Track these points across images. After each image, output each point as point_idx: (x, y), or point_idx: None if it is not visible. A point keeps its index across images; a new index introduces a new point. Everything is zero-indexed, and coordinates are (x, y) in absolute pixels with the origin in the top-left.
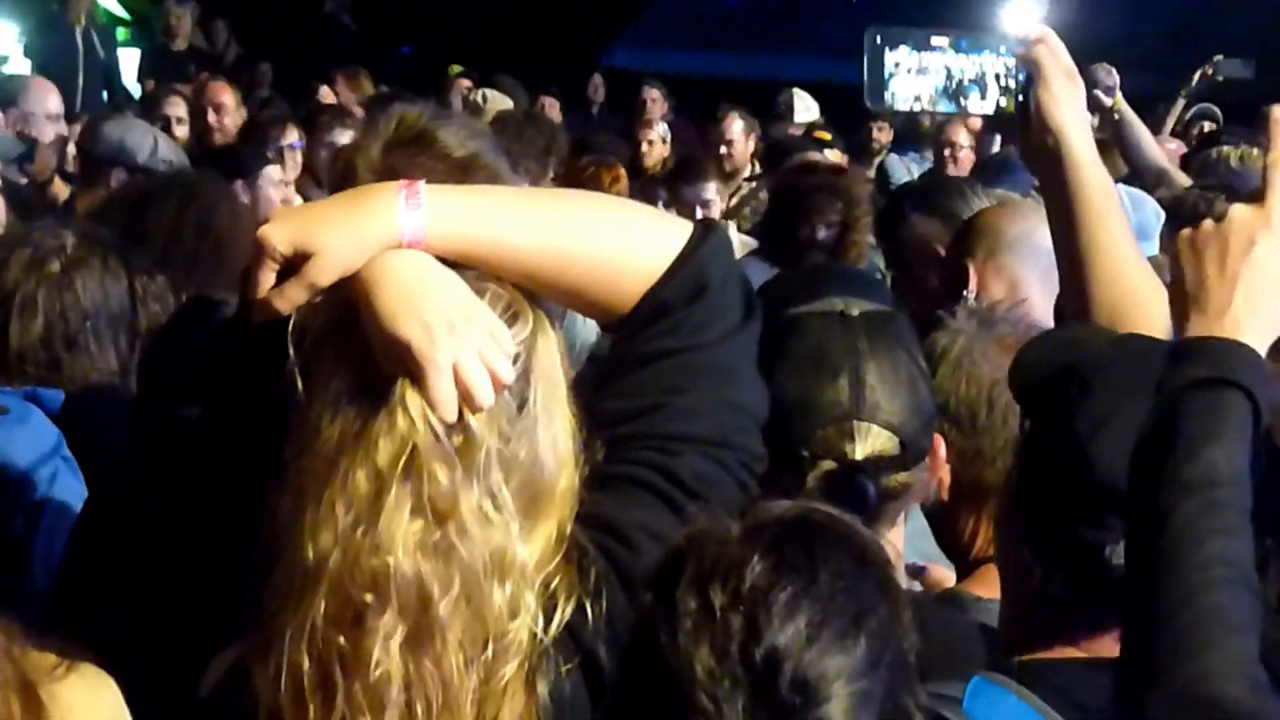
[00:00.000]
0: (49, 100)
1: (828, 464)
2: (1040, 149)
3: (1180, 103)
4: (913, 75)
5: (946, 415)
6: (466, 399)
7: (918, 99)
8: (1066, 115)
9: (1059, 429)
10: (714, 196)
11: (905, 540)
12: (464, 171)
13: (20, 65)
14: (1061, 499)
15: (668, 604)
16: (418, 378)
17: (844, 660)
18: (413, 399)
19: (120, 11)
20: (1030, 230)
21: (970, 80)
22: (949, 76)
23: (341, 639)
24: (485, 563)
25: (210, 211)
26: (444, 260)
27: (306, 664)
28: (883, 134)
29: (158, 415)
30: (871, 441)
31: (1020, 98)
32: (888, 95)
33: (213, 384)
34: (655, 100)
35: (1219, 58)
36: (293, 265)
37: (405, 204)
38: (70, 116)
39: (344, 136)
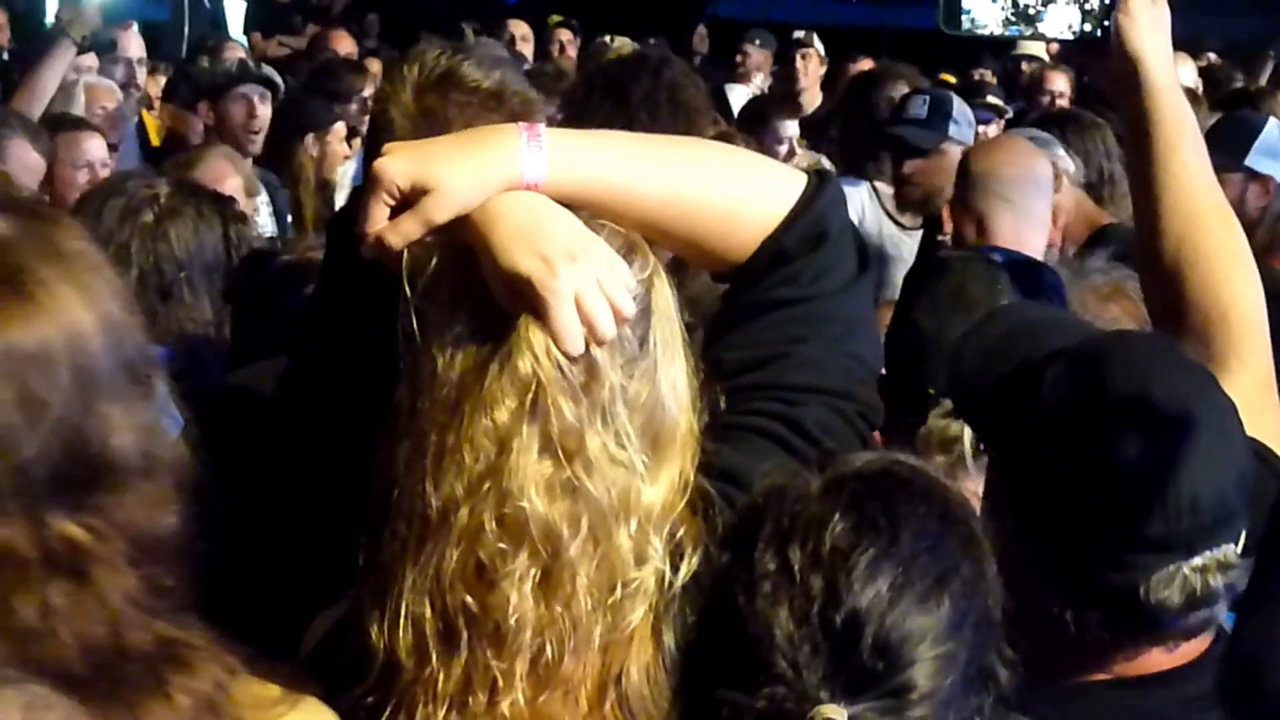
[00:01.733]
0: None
1: (949, 404)
2: (1118, 75)
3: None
4: None
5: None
6: (590, 330)
7: (994, 22)
8: (1146, 41)
9: (1031, 460)
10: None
11: None
12: (497, 99)
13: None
14: (1075, 545)
15: (745, 564)
16: (539, 311)
17: (927, 622)
18: (535, 334)
19: None
20: (996, 166)
21: (1055, 4)
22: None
23: (471, 587)
24: (612, 502)
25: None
26: (561, 203)
27: (429, 613)
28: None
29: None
30: None
31: (1103, 22)
32: (965, 19)
33: (308, 332)
34: (750, 54)
35: None
36: (408, 201)
37: (527, 144)
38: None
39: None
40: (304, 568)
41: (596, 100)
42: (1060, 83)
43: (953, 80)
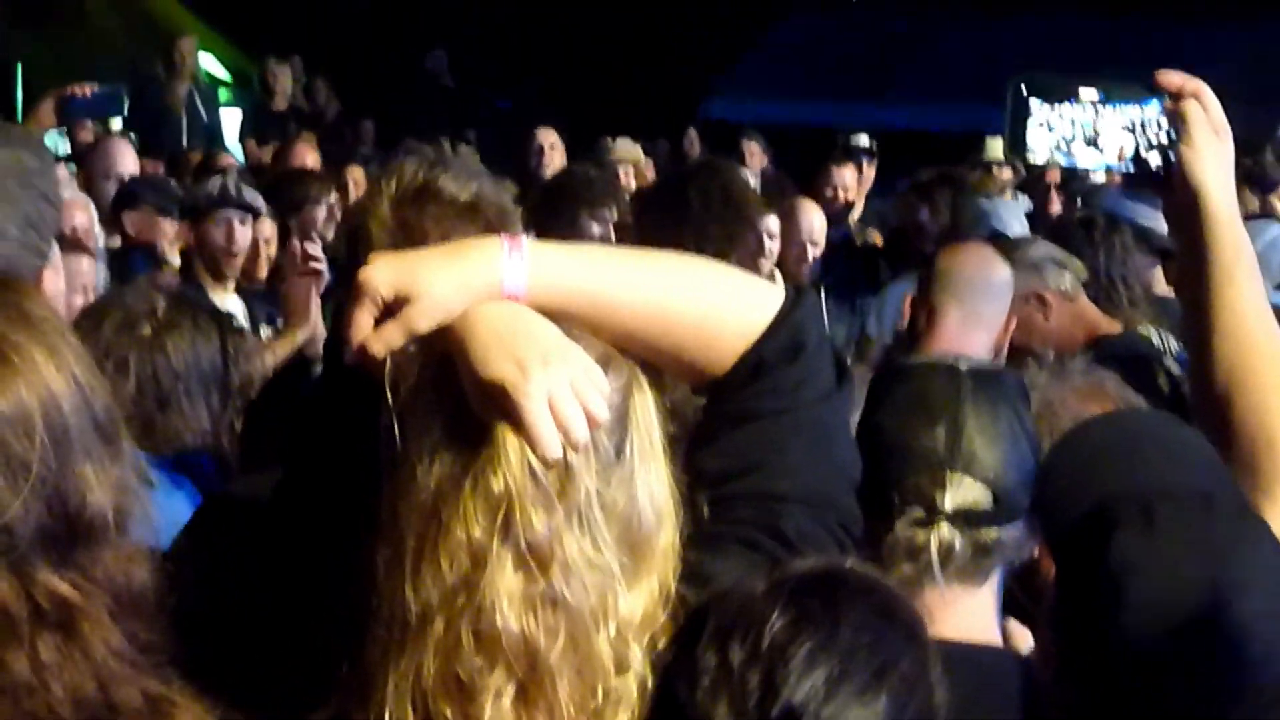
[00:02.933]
0: (125, 159)
1: (916, 512)
2: (1179, 205)
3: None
4: (1055, 126)
5: None
6: (564, 434)
7: (1059, 151)
8: (1208, 173)
9: (1094, 602)
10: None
11: None
12: (473, 211)
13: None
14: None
15: (688, 659)
16: (513, 416)
17: (865, 714)
18: (510, 442)
19: (221, 72)
20: (954, 267)
21: (1115, 133)
22: (1093, 129)
23: (451, 697)
24: (591, 609)
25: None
26: (541, 314)
27: (410, 716)
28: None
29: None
30: (964, 493)
31: (1167, 153)
32: (1029, 148)
33: (308, 439)
34: (754, 154)
35: None
36: (391, 309)
37: (509, 255)
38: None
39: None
40: (290, 672)
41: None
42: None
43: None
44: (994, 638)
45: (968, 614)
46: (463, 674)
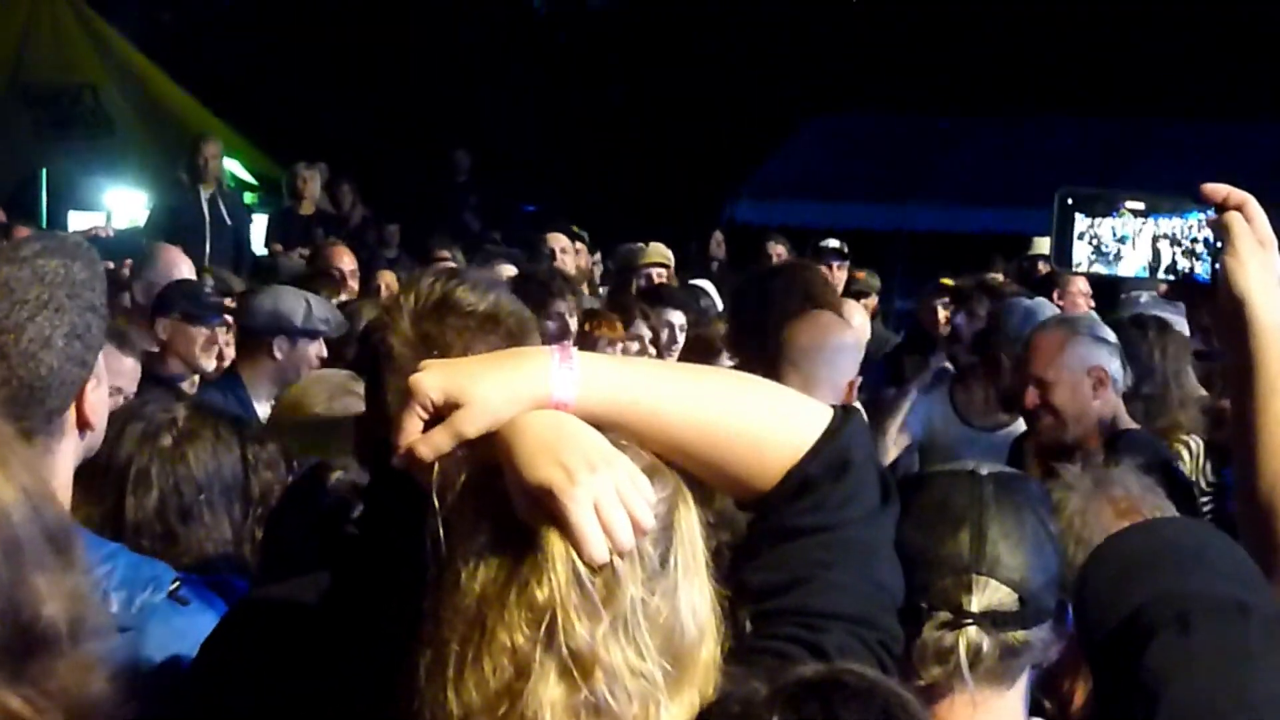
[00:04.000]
0: (179, 267)
1: (944, 615)
2: (1225, 316)
3: None
4: (1100, 238)
5: None
6: (609, 539)
7: (1104, 262)
8: (1254, 283)
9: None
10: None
11: None
12: (493, 322)
13: (149, 233)
14: None
15: None
16: (559, 520)
17: None
18: (556, 547)
19: (248, 177)
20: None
21: (1161, 245)
22: (1139, 241)
23: None
24: (634, 715)
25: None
26: (589, 424)
27: None
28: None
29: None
30: (990, 595)
31: (1212, 264)
32: (1074, 259)
33: (334, 547)
34: (779, 256)
35: None
36: (441, 415)
37: (559, 365)
38: None
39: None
40: None
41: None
42: (1080, 282)
43: (950, 283)
44: None
45: (998, 717)
46: None
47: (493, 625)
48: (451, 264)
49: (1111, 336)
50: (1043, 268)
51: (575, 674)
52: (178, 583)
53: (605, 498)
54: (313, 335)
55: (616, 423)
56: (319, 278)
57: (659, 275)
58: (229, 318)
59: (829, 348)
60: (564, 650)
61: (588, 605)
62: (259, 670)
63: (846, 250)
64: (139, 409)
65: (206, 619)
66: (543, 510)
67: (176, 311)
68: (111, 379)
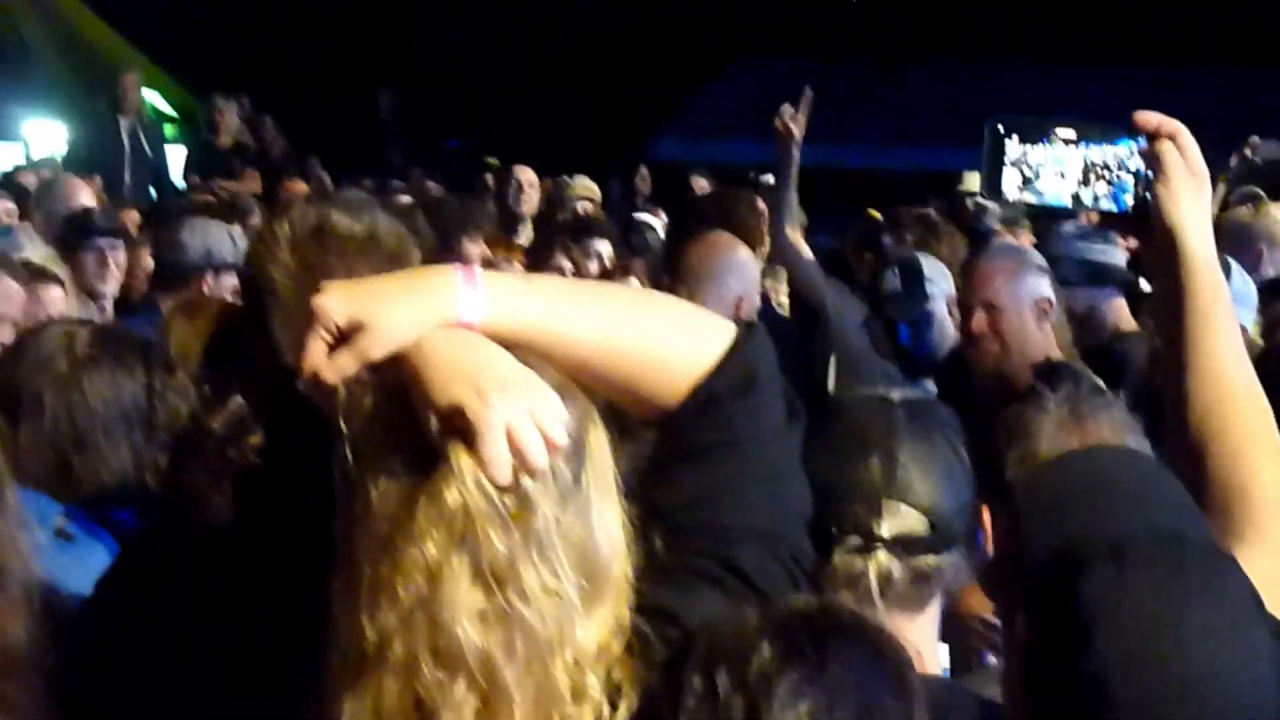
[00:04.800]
0: (77, 197)
1: (854, 540)
2: (1156, 247)
3: (1221, 187)
4: (1031, 167)
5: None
6: (520, 460)
7: (1034, 191)
8: (1185, 215)
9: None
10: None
11: None
12: (373, 244)
13: (68, 163)
14: None
15: (674, 685)
16: (470, 440)
17: None
18: (465, 463)
19: (168, 109)
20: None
21: (1092, 174)
22: (1069, 169)
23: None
24: (548, 634)
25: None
26: (495, 343)
27: None
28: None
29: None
30: (900, 520)
31: (1144, 195)
32: (1004, 186)
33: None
34: (704, 189)
35: (1255, 139)
36: (345, 337)
37: (464, 284)
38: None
39: None
40: (243, 709)
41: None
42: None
43: (878, 215)
44: (936, 668)
45: (909, 644)
46: (423, 692)
47: (403, 542)
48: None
49: (1047, 266)
50: (968, 205)
51: (491, 581)
52: (62, 519)
53: (518, 418)
54: (234, 269)
55: (522, 342)
56: (226, 209)
57: (584, 209)
58: (119, 241)
59: (717, 267)
60: (479, 557)
61: (499, 519)
62: (159, 607)
63: None
64: (38, 333)
65: (93, 556)
66: (455, 431)
67: (67, 243)
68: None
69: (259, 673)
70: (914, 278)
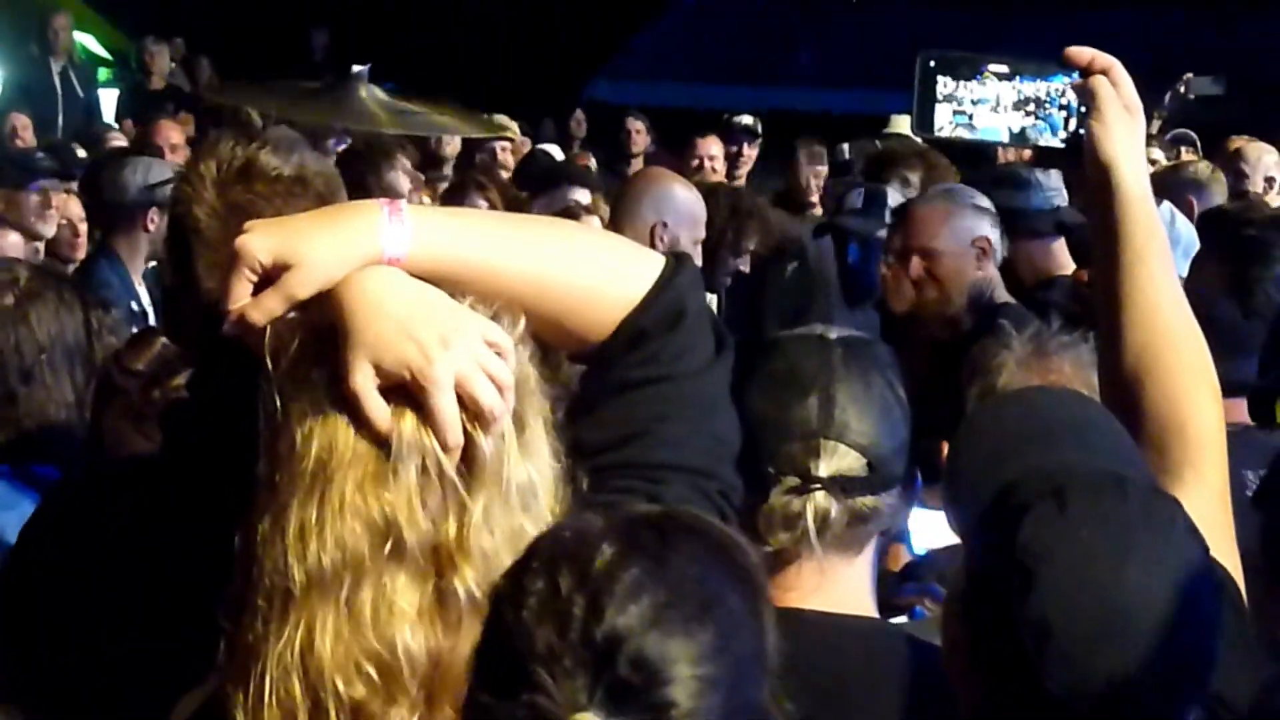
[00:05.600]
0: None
1: (791, 480)
2: (1091, 182)
3: (1155, 122)
4: (963, 102)
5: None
6: (477, 412)
7: (967, 127)
8: (1119, 149)
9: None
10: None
11: None
12: (301, 184)
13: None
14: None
15: (517, 585)
16: (419, 399)
17: (689, 644)
18: (407, 421)
19: (101, 51)
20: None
21: (1025, 109)
22: (1001, 105)
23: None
24: (468, 576)
25: None
26: (421, 279)
27: (297, 690)
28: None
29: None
30: (838, 460)
31: (1078, 130)
32: (937, 124)
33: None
34: (639, 132)
35: (1189, 76)
36: (270, 277)
37: (389, 220)
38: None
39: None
40: (168, 652)
41: None
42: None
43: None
44: (871, 610)
45: (845, 585)
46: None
47: (337, 484)
48: None
49: (989, 204)
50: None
51: (431, 566)
52: None
53: (467, 371)
54: None
55: (448, 276)
56: (145, 151)
57: (503, 149)
58: (66, 183)
59: (638, 193)
60: (414, 544)
61: (449, 495)
62: (85, 550)
63: (759, 129)
64: None
65: (14, 513)
66: (400, 393)
67: (5, 182)
68: None
69: (183, 616)
70: (876, 201)
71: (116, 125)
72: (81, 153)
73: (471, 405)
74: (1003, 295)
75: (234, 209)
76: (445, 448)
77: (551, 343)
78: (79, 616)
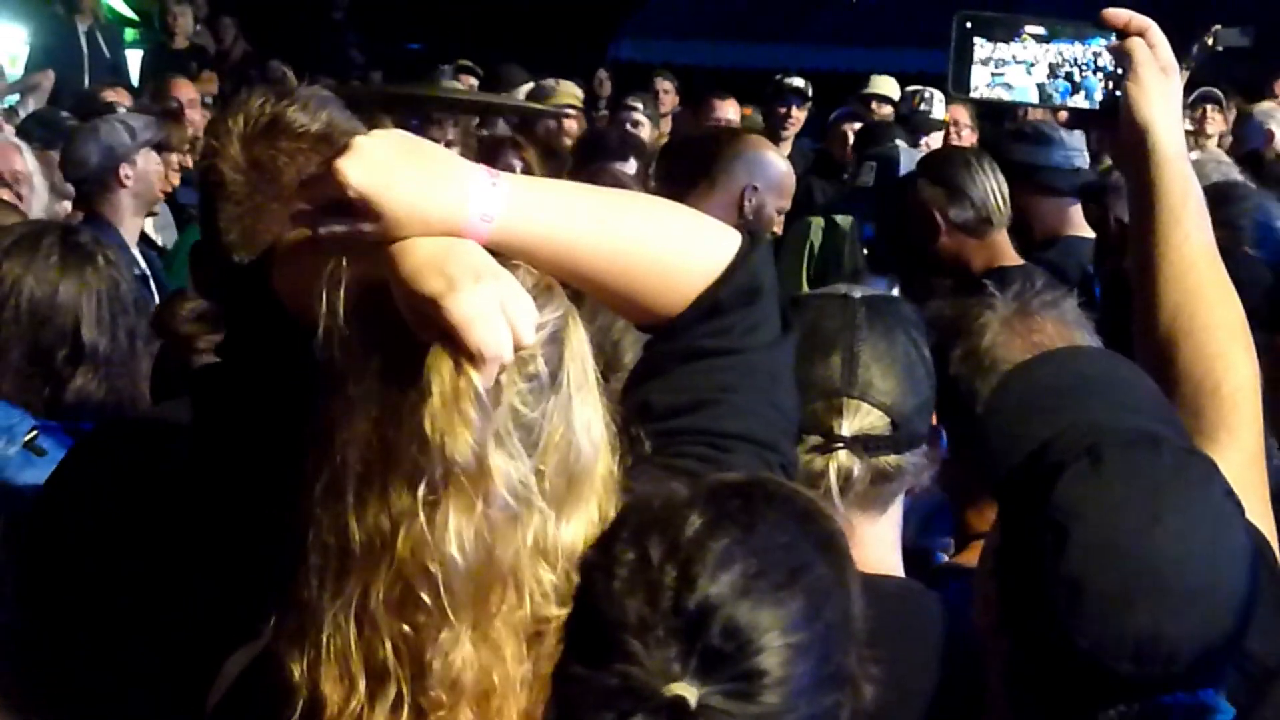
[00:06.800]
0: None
1: (814, 439)
2: (1126, 144)
3: (1184, 73)
4: (999, 64)
5: (949, 386)
6: (492, 349)
7: (1003, 88)
8: (1156, 111)
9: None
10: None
11: None
12: (326, 142)
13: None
14: (1057, 685)
15: (607, 554)
16: (446, 331)
17: (779, 612)
18: (440, 359)
19: (127, 11)
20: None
21: (1061, 71)
22: (1038, 66)
23: (398, 619)
24: (527, 538)
25: None
26: (504, 249)
27: (354, 647)
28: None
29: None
30: (861, 418)
31: (1114, 91)
32: (973, 85)
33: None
34: (668, 92)
35: (1217, 27)
36: (346, 206)
37: (489, 184)
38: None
39: None
40: (212, 610)
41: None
42: (964, 115)
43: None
44: (897, 569)
45: (870, 544)
46: (410, 589)
47: (393, 444)
48: None
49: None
50: (875, 107)
51: (472, 490)
52: (34, 432)
53: (487, 309)
54: (148, 145)
55: (532, 244)
56: (156, 107)
57: (568, 118)
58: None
59: (730, 154)
60: (460, 465)
61: (480, 418)
62: (110, 505)
63: (810, 92)
64: (15, 230)
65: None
66: (427, 321)
67: (36, 141)
68: None
69: (214, 576)
70: (889, 173)
71: (138, 85)
72: None
73: (489, 341)
74: (1010, 259)
75: (256, 165)
76: (469, 358)
77: (624, 315)
78: (101, 573)
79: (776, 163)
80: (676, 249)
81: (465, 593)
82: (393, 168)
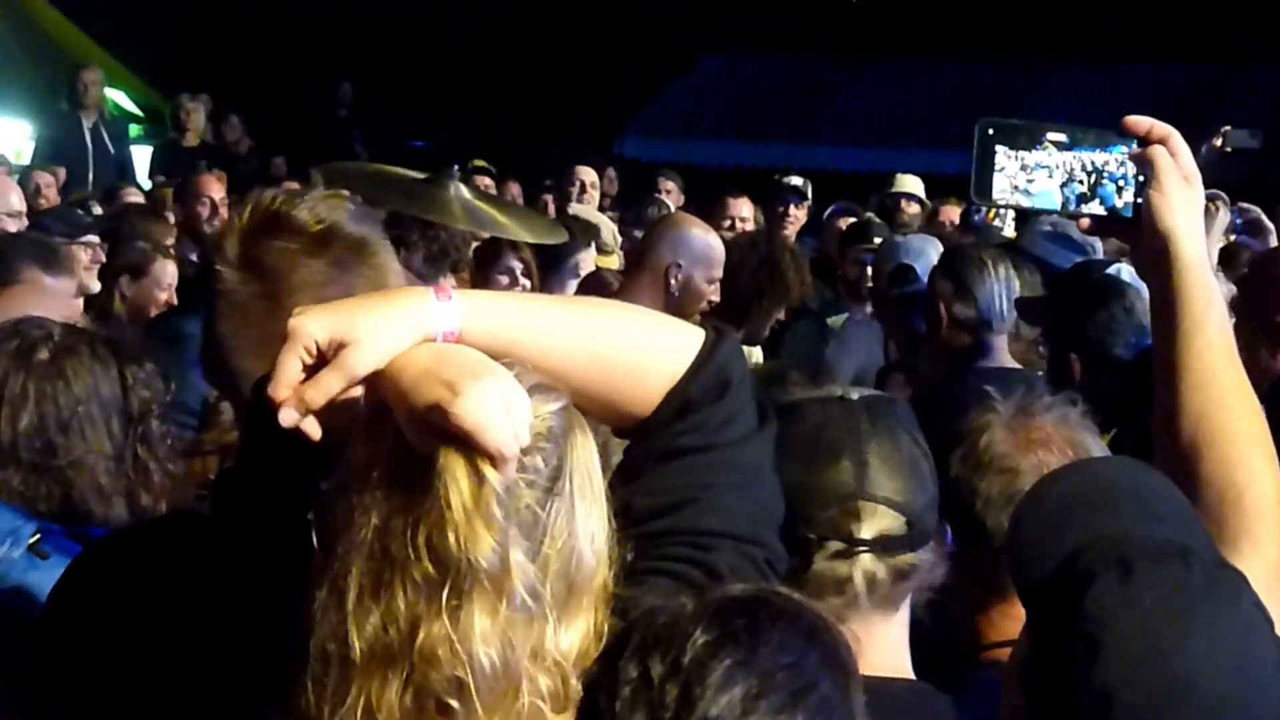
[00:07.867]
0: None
1: (835, 545)
2: (1149, 251)
3: None
4: (1021, 171)
5: (950, 489)
6: (510, 447)
7: (1024, 194)
8: (1178, 219)
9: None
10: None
11: None
12: (322, 242)
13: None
14: None
15: (610, 671)
16: (452, 430)
17: None
18: (455, 466)
19: (132, 107)
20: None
21: (1082, 179)
22: (1059, 174)
23: None
24: (529, 645)
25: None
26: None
27: None
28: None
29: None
30: (878, 521)
31: (1135, 198)
32: (996, 191)
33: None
34: (671, 192)
35: (1227, 128)
36: (325, 358)
37: (436, 300)
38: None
39: None
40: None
41: None
42: (955, 214)
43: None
44: (906, 669)
45: (882, 646)
46: (430, 704)
47: (396, 555)
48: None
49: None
50: (904, 205)
51: (490, 591)
52: (38, 535)
53: (495, 405)
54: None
55: (502, 352)
56: (184, 205)
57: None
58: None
59: (656, 236)
60: (476, 569)
61: (495, 519)
62: (113, 615)
63: (809, 190)
64: (11, 327)
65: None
66: (435, 430)
67: (56, 235)
68: None
69: (218, 679)
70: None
71: (149, 183)
72: (97, 210)
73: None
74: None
75: (247, 263)
76: (493, 454)
77: (597, 418)
78: (106, 678)
79: (700, 236)
80: (639, 346)
81: (494, 694)
82: (342, 305)
